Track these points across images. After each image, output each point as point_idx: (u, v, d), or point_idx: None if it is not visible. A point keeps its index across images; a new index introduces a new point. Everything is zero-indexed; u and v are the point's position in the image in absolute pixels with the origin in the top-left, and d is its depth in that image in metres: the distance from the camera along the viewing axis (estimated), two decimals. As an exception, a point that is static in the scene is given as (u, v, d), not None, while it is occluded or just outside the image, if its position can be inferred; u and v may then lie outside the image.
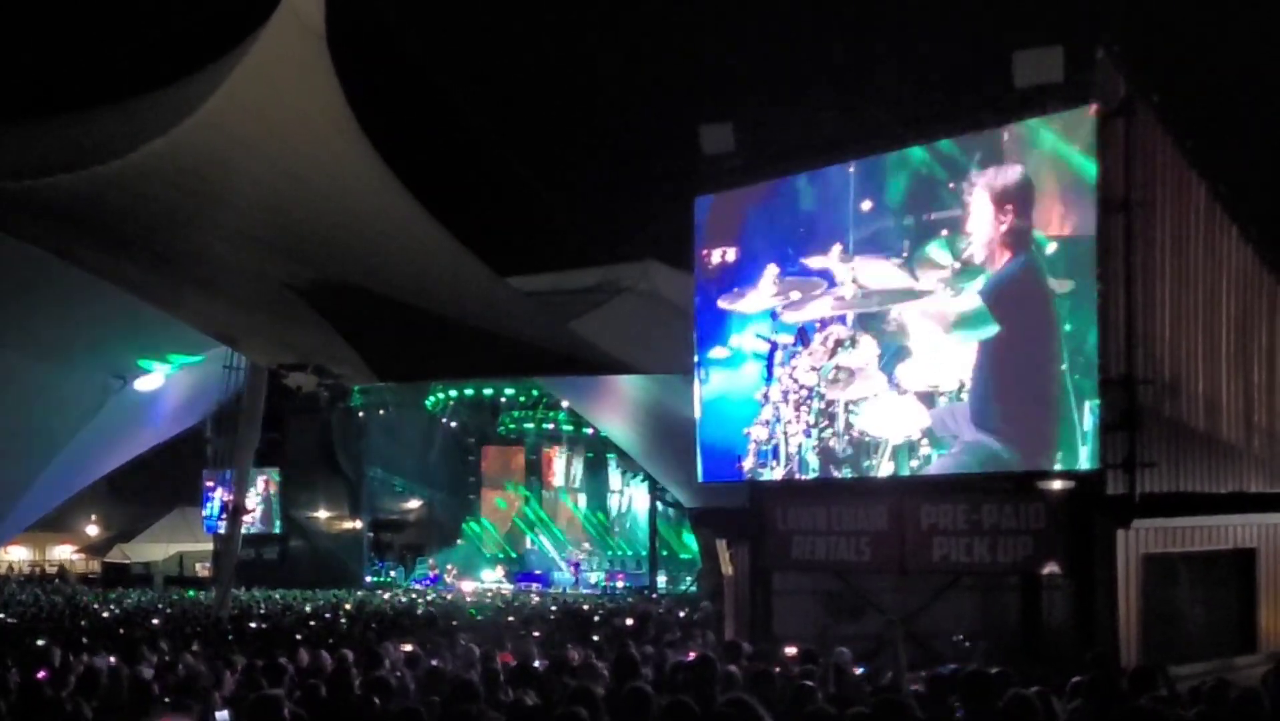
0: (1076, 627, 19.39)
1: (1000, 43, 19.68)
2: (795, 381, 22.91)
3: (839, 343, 22.27)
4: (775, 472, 23.23)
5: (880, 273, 21.60)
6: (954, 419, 20.64)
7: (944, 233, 20.77)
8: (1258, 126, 20.99)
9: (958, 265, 20.55)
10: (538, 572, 58.44)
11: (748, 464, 23.64)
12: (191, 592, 43.11)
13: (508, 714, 10.05)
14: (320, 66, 21.36)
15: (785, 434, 23.05)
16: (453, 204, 26.30)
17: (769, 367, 23.36)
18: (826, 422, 22.46)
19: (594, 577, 55.91)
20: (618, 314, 31.33)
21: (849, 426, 22.12)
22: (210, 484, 52.24)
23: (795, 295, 22.90)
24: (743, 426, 23.72)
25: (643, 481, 55.47)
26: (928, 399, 20.98)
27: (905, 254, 21.28)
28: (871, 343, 21.79)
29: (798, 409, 22.86)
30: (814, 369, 22.63)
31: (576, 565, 57.39)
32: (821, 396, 22.55)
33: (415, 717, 9.20)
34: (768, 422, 23.33)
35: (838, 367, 22.27)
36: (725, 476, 24.31)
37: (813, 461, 22.65)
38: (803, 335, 22.83)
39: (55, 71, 23.41)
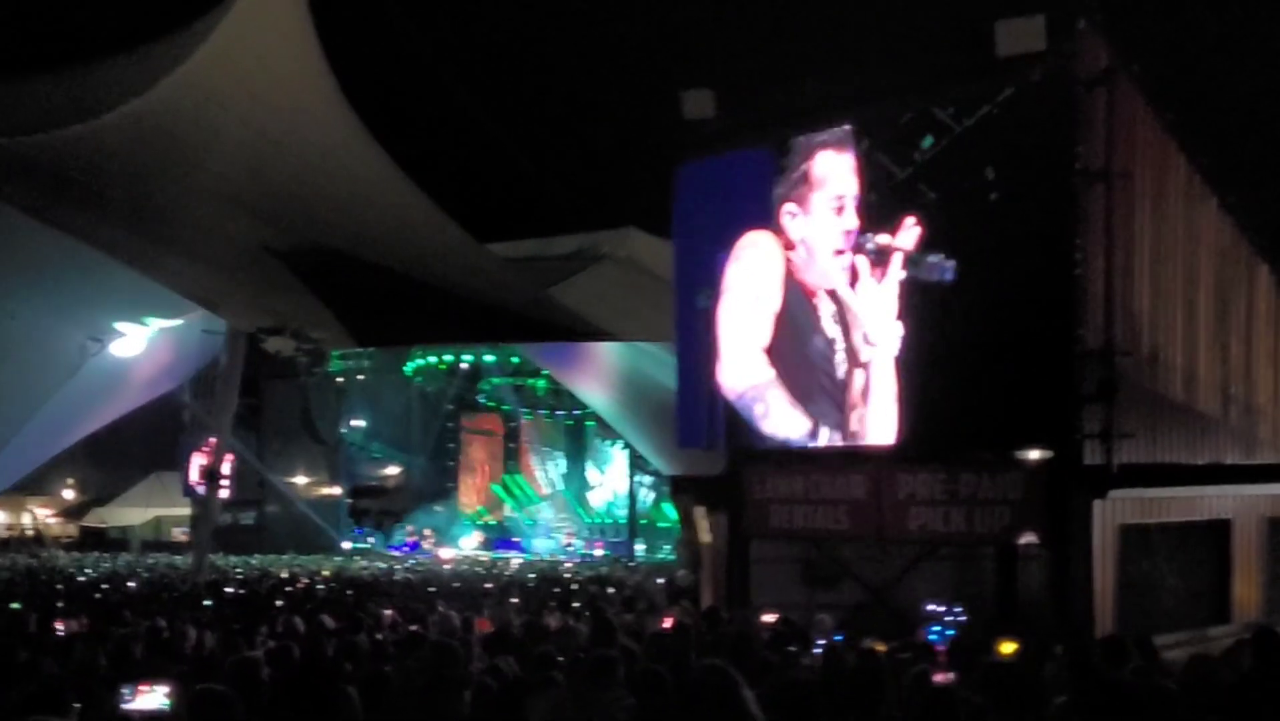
0: (1053, 597, 19.42)
1: (982, 11, 19.57)
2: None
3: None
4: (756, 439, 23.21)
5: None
6: (931, 385, 20.62)
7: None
8: (1239, 97, 20.98)
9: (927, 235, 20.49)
10: (515, 540, 58.61)
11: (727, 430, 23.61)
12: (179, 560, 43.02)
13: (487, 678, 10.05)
14: (300, 28, 21.26)
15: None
16: (433, 169, 26.21)
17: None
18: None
19: (573, 545, 56.20)
20: (597, 281, 31.29)
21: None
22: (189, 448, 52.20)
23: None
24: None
25: (623, 449, 55.58)
26: (902, 366, 20.93)
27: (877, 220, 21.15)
28: (844, 310, 21.68)
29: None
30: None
31: (571, 534, 57.72)
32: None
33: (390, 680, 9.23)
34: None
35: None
36: (703, 443, 24.26)
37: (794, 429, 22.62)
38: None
39: (30, 31, 23.28)
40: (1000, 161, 19.64)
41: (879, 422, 21.11)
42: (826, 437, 21.70)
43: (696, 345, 23.69)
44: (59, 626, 17.32)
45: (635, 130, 26.27)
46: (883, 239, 20.58)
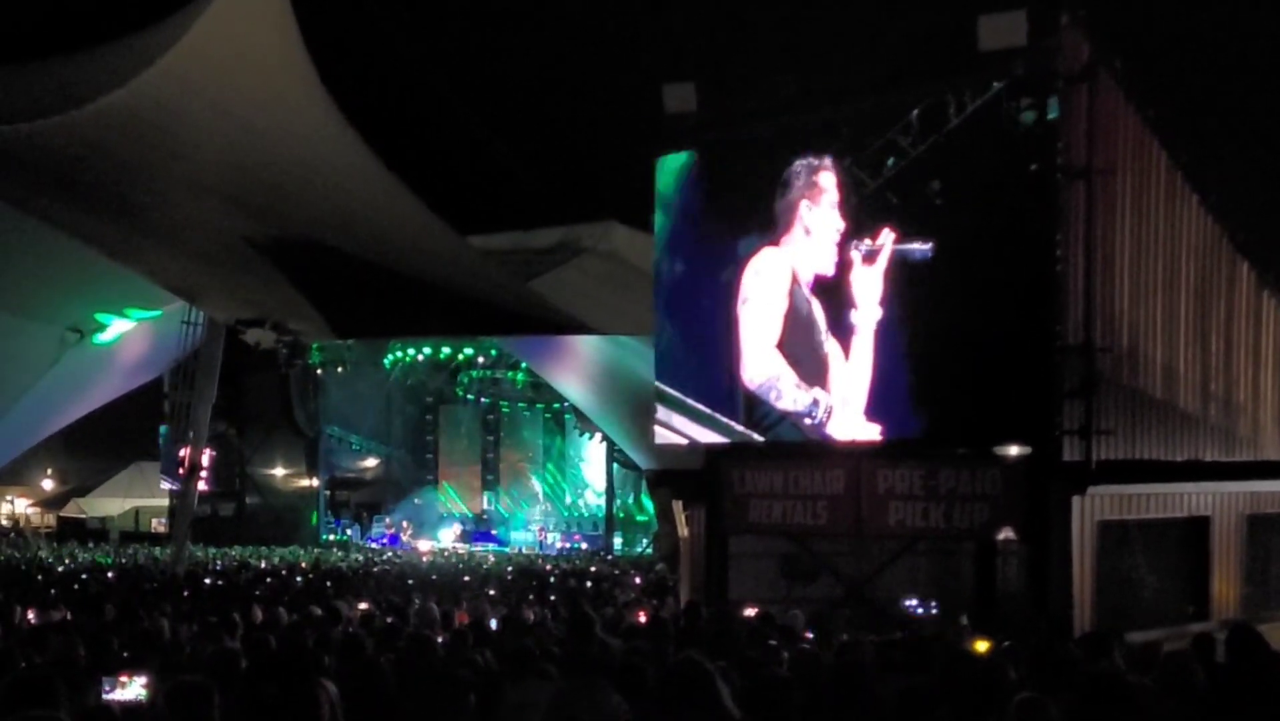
0: (1031, 593, 19.46)
1: (965, 6, 19.55)
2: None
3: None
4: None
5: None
6: (911, 381, 20.64)
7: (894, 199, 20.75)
8: (1221, 95, 21.00)
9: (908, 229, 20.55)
10: (494, 532, 58.57)
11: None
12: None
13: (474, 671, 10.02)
14: (281, 20, 21.21)
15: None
16: (414, 161, 26.15)
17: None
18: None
19: (551, 539, 56.15)
20: (578, 274, 31.24)
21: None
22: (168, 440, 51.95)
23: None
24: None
25: (601, 442, 55.50)
26: (882, 362, 20.94)
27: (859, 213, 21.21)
28: (835, 290, 21.71)
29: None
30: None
31: (542, 529, 57.68)
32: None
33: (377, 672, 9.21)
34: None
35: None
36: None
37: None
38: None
39: (11, 21, 23.18)
40: (978, 162, 19.69)
41: (860, 383, 21.25)
42: (825, 404, 21.63)
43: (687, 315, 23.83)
44: (30, 615, 17.29)
45: (617, 123, 26.18)
46: (867, 244, 20.69)
